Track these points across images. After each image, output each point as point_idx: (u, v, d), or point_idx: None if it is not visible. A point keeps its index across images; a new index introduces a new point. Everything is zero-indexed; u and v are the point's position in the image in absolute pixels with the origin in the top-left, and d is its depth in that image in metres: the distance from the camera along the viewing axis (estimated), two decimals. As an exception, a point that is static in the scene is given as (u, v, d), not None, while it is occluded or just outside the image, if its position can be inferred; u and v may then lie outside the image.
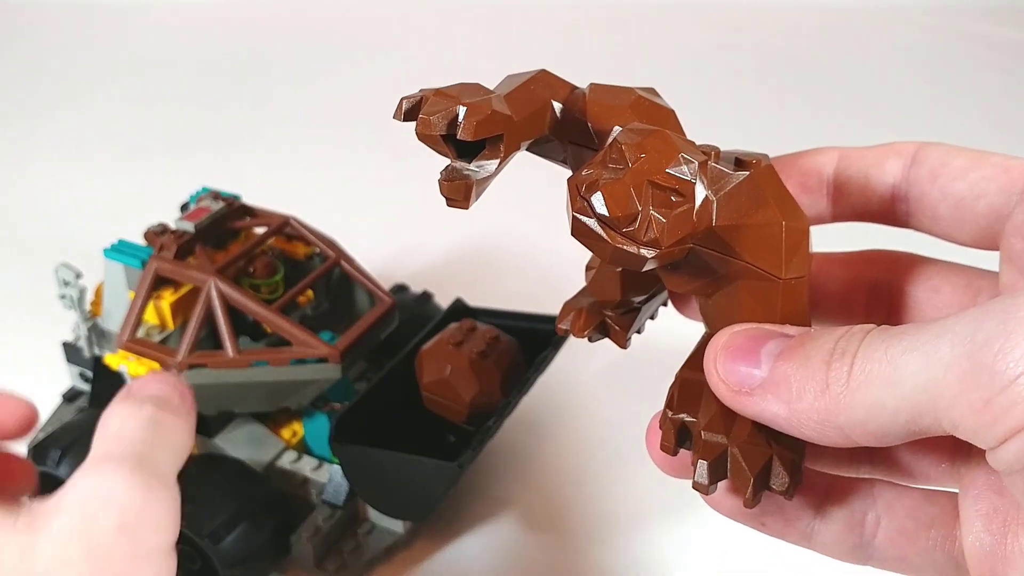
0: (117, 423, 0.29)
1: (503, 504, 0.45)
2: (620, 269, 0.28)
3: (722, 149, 0.24)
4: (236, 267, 0.43)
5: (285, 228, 0.46)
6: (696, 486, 0.23)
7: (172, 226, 0.44)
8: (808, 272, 0.24)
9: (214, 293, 0.41)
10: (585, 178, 0.22)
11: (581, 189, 0.22)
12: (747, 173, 0.23)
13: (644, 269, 0.22)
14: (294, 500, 0.42)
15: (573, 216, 0.22)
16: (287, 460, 0.43)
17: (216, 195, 0.47)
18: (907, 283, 0.27)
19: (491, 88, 0.24)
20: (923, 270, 0.27)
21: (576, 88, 0.26)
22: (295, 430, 0.44)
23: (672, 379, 0.25)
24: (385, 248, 0.64)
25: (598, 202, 0.21)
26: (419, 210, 0.65)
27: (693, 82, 0.94)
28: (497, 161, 0.23)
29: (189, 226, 0.44)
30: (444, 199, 0.23)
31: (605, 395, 0.52)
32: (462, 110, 0.22)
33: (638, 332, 0.30)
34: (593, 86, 0.25)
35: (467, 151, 0.23)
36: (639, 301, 0.29)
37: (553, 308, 0.46)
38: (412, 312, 0.49)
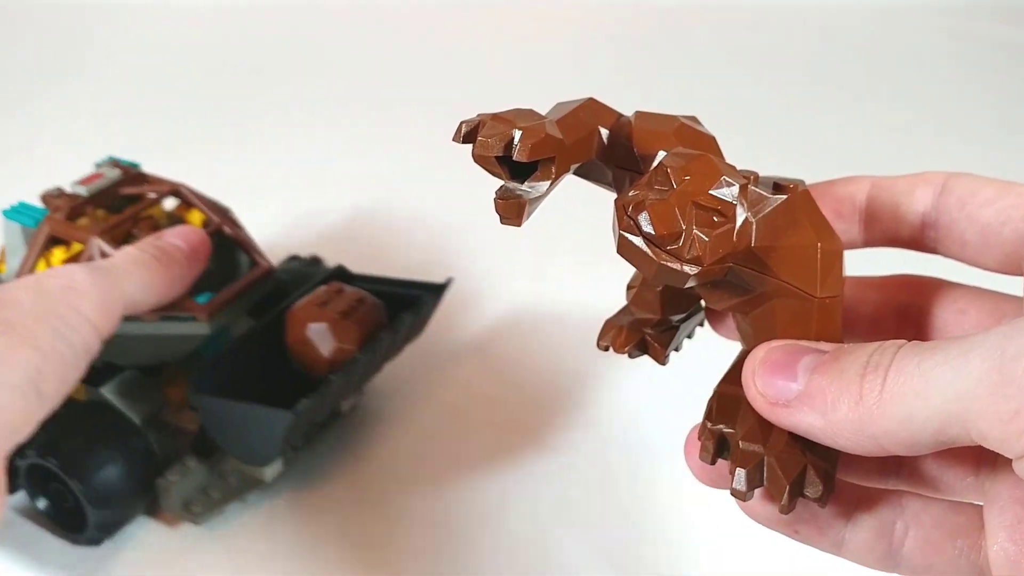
0: (120, 253, 0.40)
1: (377, 462, 0.50)
2: (660, 288, 0.29)
3: (760, 174, 0.26)
4: (122, 229, 0.45)
5: (175, 194, 0.49)
6: (734, 493, 0.24)
7: (68, 190, 0.47)
8: (841, 292, 0.25)
9: (96, 252, 0.43)
10: (632, 199, 0.23)
11: (628, 209, 0.23)
12: (785, 197, 0.24)
13: (686, 286, 0.24)
14: (168, 450, 0.45)
15: (620, 234, 0.23)
16: (167, 413, 0.46)
17: (116, 163, 0.50)
18: (935, 306, 0.28)
19: (543, 114, 0.26)
20: (951, 294, 0.28)
21: (622, 116, 0.27)
22: (182, 385, 0.47)
23: (700, 389, 0.27)
24: (302, 220, 0.70)
25: (644, 221, 0.23)
26: (325, 184, 0.74)
27: (704, 84, 0.96)
28: (548, 182, 0.24)
29: (83, 190, 0.47)
30: (498, 216, 0.25)
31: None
32: (517, 133, 0.24)
33: (676, 350, 0.31)
34: (638, 114, 0.27)
35: (520, 172, 0.25)
36: (677, 320, 0.30)
37: (439, 276, 0.51)
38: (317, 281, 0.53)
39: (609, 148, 0.26)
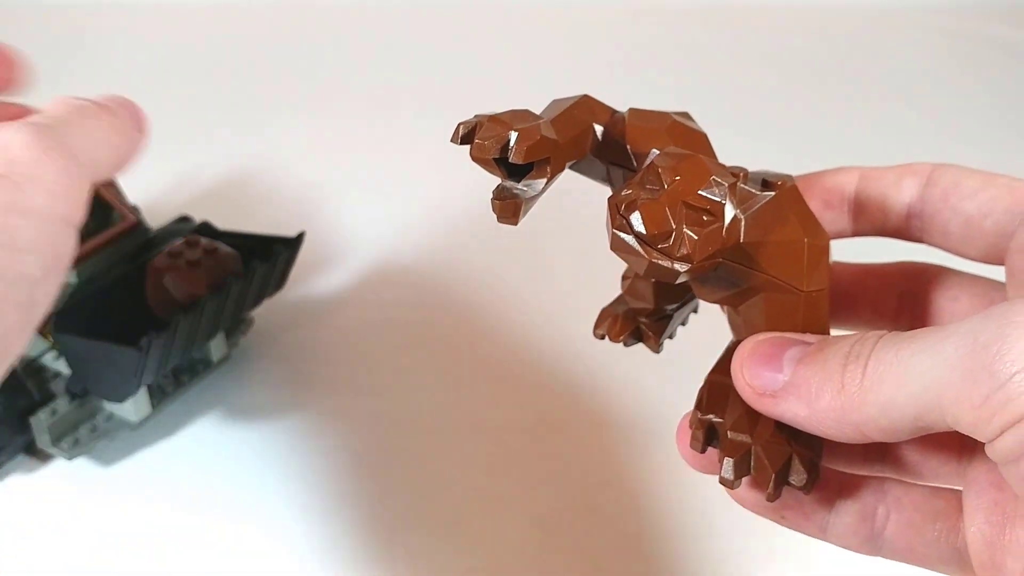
0: (49, 105, 0.27)
1: (244, 409, 0.54)
2: (654, 280, 0.30)
3: (750, 170, 0.26)
4: None
5: None
6: (722, 481, 0.25)
7: None
8: (827, 285, 0.26)
9: None
10: (624, 198, 0.24)
11: (620, 208, 0.24)
12: (773, 194, 0.25)
13: (677, 282, 0.24)
14: (45, 392, 0.48)
15: (612, 232, 0.24)
16: (48, 358, 0.49)
17: None
18: (931, 292, 0.29)
19: (538, 113, 0.26)
20: (945, 280, 0.29)
21: (616, 112, 0.28)
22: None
23: (690, 377, 0.27)
24: (187, 183, 0.75)
25: (636, 221, 0.24)
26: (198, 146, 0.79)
27: (701, 81, 0.96)
28: (544, 181, 0.25)
29: None
30: (495, 216, 0.25)
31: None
32: (513, 135, 0.24)
33: (670, 337, 0.32)
34: (632, 111, 0.27)
35: (516, 172, 0.25)
36: (671, 309, 0.31)
37: (318, 236, 0.58)
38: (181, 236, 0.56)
39: (603, 145, 0.27)
